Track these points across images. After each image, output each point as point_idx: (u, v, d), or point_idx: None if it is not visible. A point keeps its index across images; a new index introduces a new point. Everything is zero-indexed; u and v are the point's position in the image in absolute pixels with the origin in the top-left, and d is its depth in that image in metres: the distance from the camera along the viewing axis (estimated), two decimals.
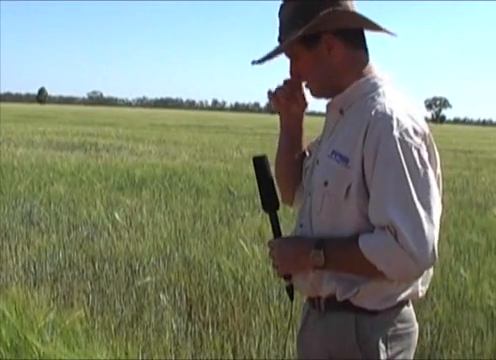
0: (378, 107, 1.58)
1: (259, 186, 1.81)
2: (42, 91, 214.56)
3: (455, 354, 3.86)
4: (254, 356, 3.76)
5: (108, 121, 46.27)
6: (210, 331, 4.03)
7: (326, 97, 1.74)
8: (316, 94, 1.75)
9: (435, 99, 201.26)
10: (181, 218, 7.46)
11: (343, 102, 1.68)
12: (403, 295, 1.63)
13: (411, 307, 1.70)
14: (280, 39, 1.71)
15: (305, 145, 1.88)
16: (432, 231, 1.51)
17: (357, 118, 1.61)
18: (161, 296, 4.58)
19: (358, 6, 1.68)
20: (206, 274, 5.19)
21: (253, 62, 1.73)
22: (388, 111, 1.56)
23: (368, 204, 1.56)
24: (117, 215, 7.22)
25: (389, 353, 1.62)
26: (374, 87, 1.65)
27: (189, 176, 11.41)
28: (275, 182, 1.84)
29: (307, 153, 1.86)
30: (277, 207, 1.82)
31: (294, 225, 1.79)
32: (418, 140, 1.55)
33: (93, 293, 4.71)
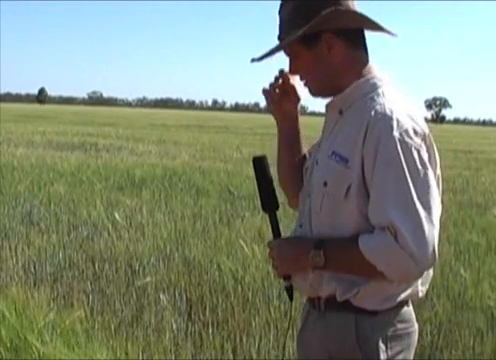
0: (378, 107, 1.58)
1: (259, 187, 1.82)
2: (42, 91, 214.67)
3: (455, 354, 3.87)
4: (254, 356, 3.76)
5: (108, 121, 46.26)
6: (210, 331, 4.03)
7: (325, 97, 1.73)
8: (315, 93, 1.74)
9: (435, 99, 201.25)
10: (181, 218, 7.46)
11: (342, 102, 1.68)
12: (403, 295, 1.63)
13: (411, 307, 1.70)
14: (280, 38, 1.71)
15: (304, 146, 1.88)
16: (432, 231, 1.51)
17: (357, 118, 1.61)
18: (161, 296, 4.58)
19: (358, 6, 1.68)
20: (206, 274, 5.19)
21: (252, 60, 1.74)
22: (388, 111, 1.56)
23: (368, 204, 1.56)
24: (117, 215, 7.22)
25: (389, 353, 1.62)
26: (374, 87, 1.65)
27: (189, 176, 11.41)
28: (275, 183, 1.83)
29: (307, 156, 1.86)
30: (277, 208, 1.82)
31: (294, 225, 1.79)
32: (418, 140, 1.55)
33: (93, 293, 4.71)
